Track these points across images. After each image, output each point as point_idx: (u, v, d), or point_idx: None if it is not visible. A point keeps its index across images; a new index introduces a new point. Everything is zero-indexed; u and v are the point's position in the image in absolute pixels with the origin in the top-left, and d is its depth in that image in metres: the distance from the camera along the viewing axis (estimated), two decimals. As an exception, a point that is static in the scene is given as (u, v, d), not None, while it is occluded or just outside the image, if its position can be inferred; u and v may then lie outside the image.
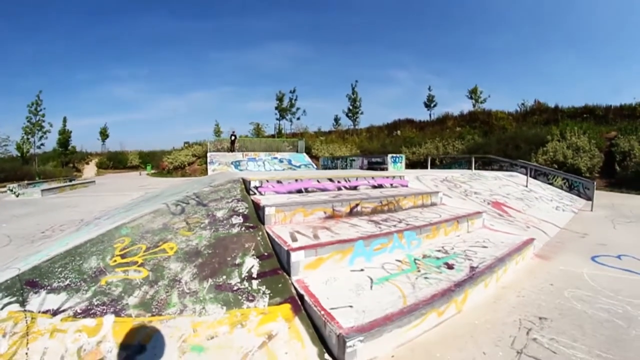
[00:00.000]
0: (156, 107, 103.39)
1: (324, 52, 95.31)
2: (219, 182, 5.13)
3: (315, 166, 28.55)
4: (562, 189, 13.64)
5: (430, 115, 44.41)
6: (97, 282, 2.80)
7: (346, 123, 46.71)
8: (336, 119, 48.28)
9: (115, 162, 46.09)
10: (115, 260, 3.12)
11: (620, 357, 2.46)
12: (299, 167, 28.75)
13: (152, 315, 2.52)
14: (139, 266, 3.07)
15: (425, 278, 3.35)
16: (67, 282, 2.78)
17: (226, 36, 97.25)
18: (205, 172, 26.20)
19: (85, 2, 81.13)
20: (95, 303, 2.57)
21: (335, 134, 44.39)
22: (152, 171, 35.53)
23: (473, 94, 42.18)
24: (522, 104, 38.26)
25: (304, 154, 32.21)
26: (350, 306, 2.66)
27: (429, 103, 44.84)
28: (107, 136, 52.63)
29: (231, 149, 28.04)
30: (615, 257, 5.13)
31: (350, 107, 44.69)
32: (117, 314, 2.49)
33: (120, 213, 5.30)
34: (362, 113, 45.05)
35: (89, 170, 43.03)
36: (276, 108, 44.94)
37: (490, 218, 6.41)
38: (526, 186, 11.47)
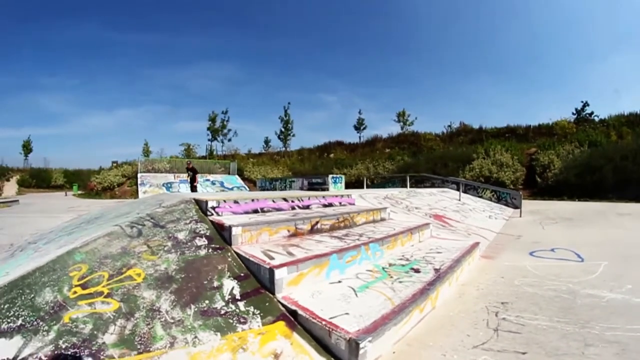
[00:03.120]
0: (84, 123, 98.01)
1: (257, 75, 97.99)
2: (171, 203, 5.06)
3: (247, 188, 28.66)
4: (491, 200, 15.67)
5: (360, 137, 46.97)
6: (60, 320, 2.50)
7: (276, 145, 48.28)
8: (266, 141, 49.89)
9: (38, 180, 43.73)
10: (75, 292, 2.82)
11: (574, 318, 3.28)
12: (232, 189, 28.73)
13: (140, 353, 2.34)
14: (105, 297, 2.81)
15: (400, 282, 3.78)
16: (20, 321, 2.42)
17: (160, 52, 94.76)
18: (135, 193, 25.36)
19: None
20: (64, 346, 2.28)
21: (266, 156, 45.81)
22: (79, 192, 33.73)
23: (401, 117, 45.36)
24: (449, 125, 42.68)
25: (237, 176, 32.50)
26: (347, 313, 2.89)
27: (359, 126, 47.43)
28: (31, 150, 50.09)
29: (192, 187, 20.06)
30: (549, 250, 6.32)
31: (282, 129, 46.44)
32: (95, 356, 2.25)
33: (62, 237, 4.89)
34: (293, 135, 46.94)
35: (9, 188, 39.64)
36: (208, 129, 45.66)
37: (435, 229, 7.17)
38: (459, 200, 12.86)
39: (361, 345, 2.41)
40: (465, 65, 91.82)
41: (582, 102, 37.02)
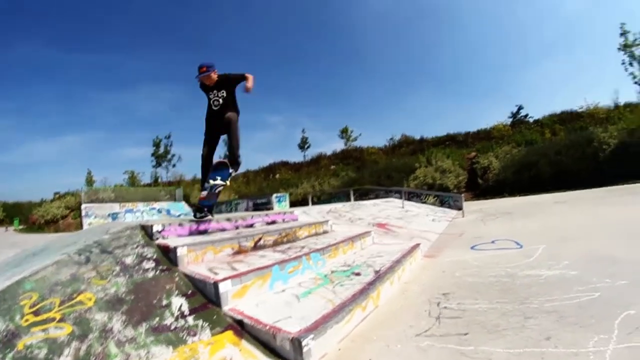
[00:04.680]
0: (23, 151, 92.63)
1: (199, 95, 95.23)
2: (117, 230, 5.06)
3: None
4: (434, 205, 16.48)
5: (304, 156, 47.63)
6: (14, 347, 2.58)
7: None
8: None
9: (-26, 215, 39.24)
10: (27, 320, 2.90)
11: (513, 297, 3.48)
12: (179, 216, 27.76)
13: (95, 371, 2.52)
14: (58, 322, 2.92)
15: (341, 285, 3.93)
16: (-28, 354, 2.55)
17: (106, 74, 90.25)
18: (80, 226, 24.26)
19: None
20: (20, 373, 2.40)
21: None
22: (21, 226, 31.78)
23: (344, 133, 46.44)
24: (391, 138, 45.31)
25: (183, 202, 31.64)
26: (290, 317, 3.04)
27: (303, 145, 47.97)
28: (-35, 182, 44.96)
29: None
30: (490, 242, 6.68)
31: (227, 153, 45.40)
32: (52, 378, 2.38)
33: (9, 269, 4.82)
34: None
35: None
36: (153, 154, 44.15)
37: (378, 236, 7.41)
38: (403, 207, 13.28)
39: (304, 343, 2.57)
40: (405, 79, 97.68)
41: (517, 105, 40.93)
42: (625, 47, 30.00)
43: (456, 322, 3.02)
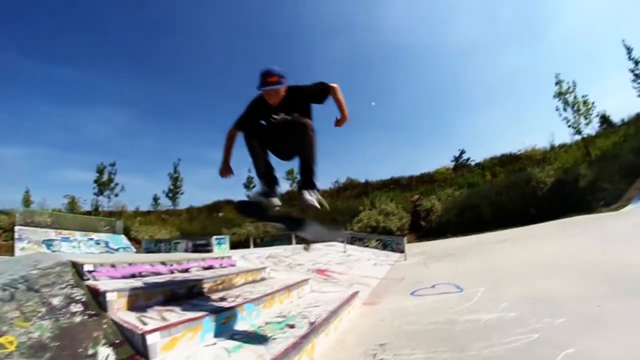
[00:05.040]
0: None
1: (152, 125, 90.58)
2: (46, 265, 4.69)
3: (133, 249, 26.79)
4: (377, 248, 16.81)
5: (248, 196, 47.20)
6: None
7: (166, 203, 46.30)
8: (155, 199, 47.48)
9: None
10: None
11: (452, 345, 3.35)
12: (117, 250, 26.81)
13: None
14: None
15: (274, 339, 3.75)
16: None
17: (56, 86, 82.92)
18: (11, 250, 22.35)
19: None
20: None
21: (154, 214, 44.30)
22: None
23: (290, 175, 46.48)
24: (337, 181, 45.65)
25: (123, 235, 30.29)
26: None
27: (248, 184, 47.35)
28: None
29: None
30: (430, 287, 6.60)
31: (171, 187, 44.58)
32: None
33: None
34: (182, 193, 45.23)
35: None
36: (95, 181, 41.36)
37: (317, 283, 7.30)
38: (344, 252, 13.28)
39: None
40: (353, 121, 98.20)
41: (460, 150, 43.75)
42: (559, 94, 33.44)
43: (393, 374, 2.82)
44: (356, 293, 6.06)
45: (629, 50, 32.23)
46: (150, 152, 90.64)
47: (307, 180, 3.83)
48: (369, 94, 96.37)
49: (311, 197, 3.82)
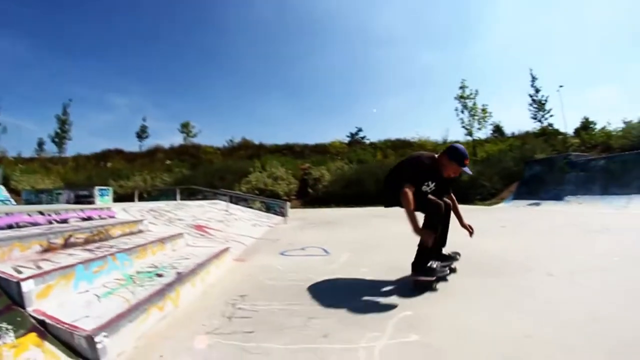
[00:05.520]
0: None
1: (46, 58, 78.51)
2: None
3: (13, 201, 24.23)
4: (261, 210, 17.21)
5: (140, 146, 44.80)
6: None
7: (51, 150, 42.11)
8: (40, 144, 43.27)
9: None
10: None
11: (304, 300, 3.79)
12: None
13: None
14: None
15: (142, 286, 3.92)
16: None
17: None
18: None
19: None
20: None
21: (38, 161, 40.06)
22: None
23: (185, 127, 45.02)
24: (231, 140, 45.53)
25: (2, 187, 26.80)
26: (87, 316, 3.02)
27: (142, 134, 44.89)
28: None
29: None
30: (300, 249, 7.13)
31: (59, 132, 40.78)
32: None
33: None
34: (70, 139, 41.59)
35: None
36: None
37: (193, 238, 7.49)
38: (227, 211, 13.47)
39: (97, 340, 2.66)
40: (257, 82, 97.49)
41: (357, 127, 46.09)
42: (461, 97, 37.64)
43: (246, 321, 3.19)
44: (227, 249, 6.35)
45: (534, 79, 37.92)
46: (42, 89, 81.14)
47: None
48: (285, 56, 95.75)
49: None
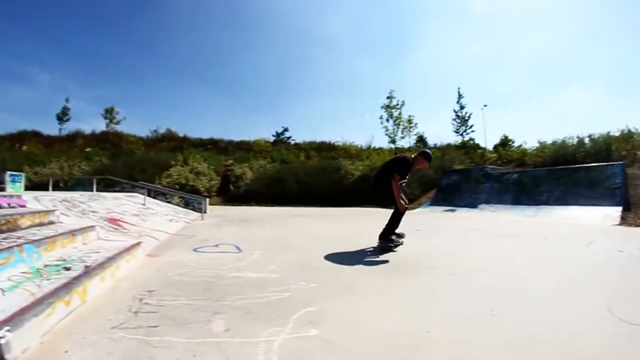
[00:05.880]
0: None
1: None
2: None
3: None
4: (179, 205, 17.07)
5: (60, 130, 41.80)
6: None
7: None
8: None
9: None
10: None
11: (211, 295, 3.94)
12: None
13: None
14: None
15: (48, 280, 3.83)
16: None
17: None
18: None
19: None
20: None
21: None
22: None
23: (109, 113, 42.69)
24: (155, 130, 44.12)
25: None
26: None
27: (63, 116, 41.83)
28: None
29: None
30: (213, 246, 7.29)
31: None
32: None
33: None
34: None
35: None
36: None
37: (106, 232, 7.34)
38: (144, 204, 13.26)
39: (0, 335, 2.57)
40: (190, 73, 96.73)
41: (283, 127, 47.05)
42: (387, 107, 39.93)
43: (151, 316, 3.30)
44: (139, 244, 6.33)
45: (460, 96, 42.18)
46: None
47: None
48: (220, 47, 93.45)
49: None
